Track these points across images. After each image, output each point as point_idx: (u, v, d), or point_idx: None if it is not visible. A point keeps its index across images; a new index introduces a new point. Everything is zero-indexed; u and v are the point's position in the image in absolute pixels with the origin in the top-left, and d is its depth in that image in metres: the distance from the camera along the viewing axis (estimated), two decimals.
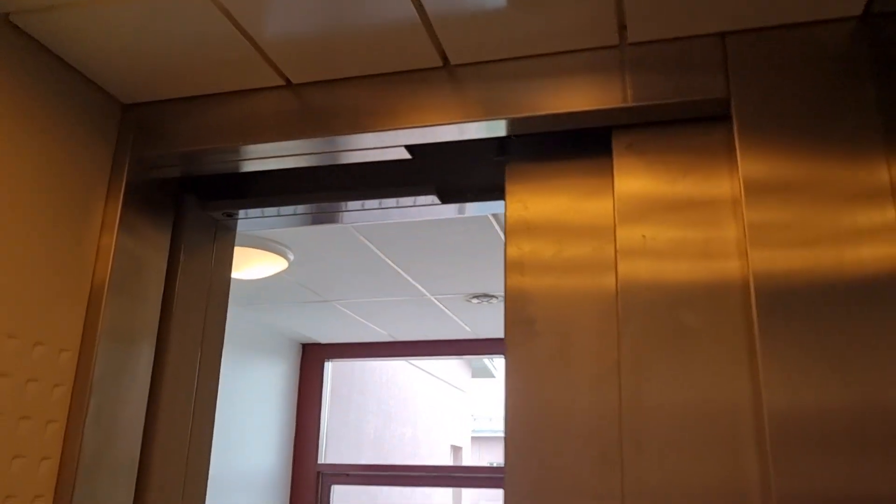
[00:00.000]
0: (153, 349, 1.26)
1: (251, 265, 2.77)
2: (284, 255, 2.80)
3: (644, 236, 1.05)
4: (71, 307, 1.14)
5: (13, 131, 1.06)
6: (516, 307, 1.10)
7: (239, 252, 2.68)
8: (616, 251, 1.05)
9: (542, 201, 1.14)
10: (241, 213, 1.41)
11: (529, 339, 1.08)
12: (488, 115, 1.09)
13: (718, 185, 1.05)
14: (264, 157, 1.21)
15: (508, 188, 1.17)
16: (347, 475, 4.68)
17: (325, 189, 1.33)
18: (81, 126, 1.18)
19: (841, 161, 0.97)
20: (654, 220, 1.05)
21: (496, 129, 1.11)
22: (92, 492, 1.11)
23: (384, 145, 1.15)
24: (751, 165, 0.99)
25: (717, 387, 0.97)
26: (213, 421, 1.42)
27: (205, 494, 1.39)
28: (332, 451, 4.88)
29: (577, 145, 1.17)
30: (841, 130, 0.98)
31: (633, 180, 1.08)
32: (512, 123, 1.10)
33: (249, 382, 4.30)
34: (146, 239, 1.26)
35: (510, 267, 1.12)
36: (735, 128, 1.01)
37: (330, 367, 4.89)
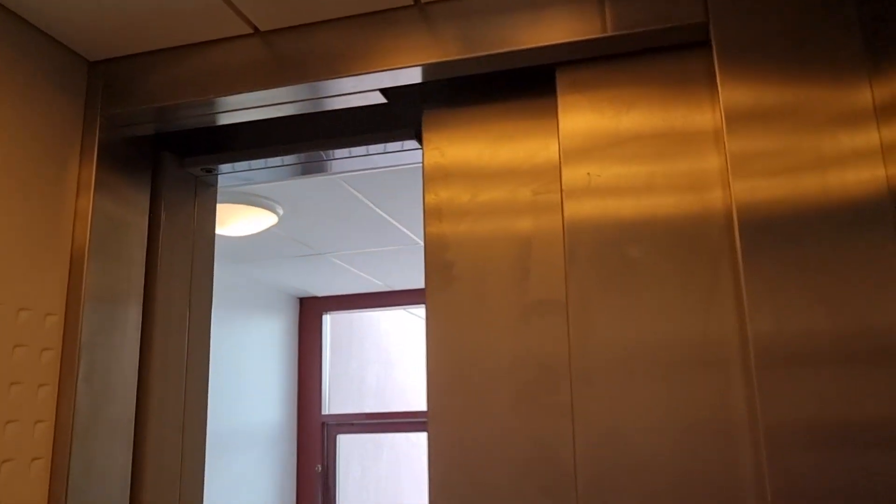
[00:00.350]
0: (140, 310, 1.26)
1: (240, 221, 2.75)
2: (273, 210, 2.78)
3: (588, 174, 1.05)
4: (52, 272, 1.13)
5: None
6: (435, 253, 1.11)
7: (227, 209, 2.66)
8: (561, 190, 1.05)
9: (458, 147, 1.15)
10: (222, 168, 1.39)
11: (448, 284, 1.10)
12: (463, 53, 1.06)
13: (683, 115, 1.03)
14: (238, 108, 1.18)
15: (425, 135, 1.17)
16: (352, 424, 4.77)
17: (306, 139, 1.31)
18: (47, 87, 1.15)
19: (823, 84, 0.95)
20: (598, 157, 1.04)
21: (472, 67, 1.09)
22: (90, 452, 1.13)
23: (358, 90, 1.12)
24: (732, 93, 0.97)
25: (671, 319, 0.97)
26: (207, 378, 1.43)
27: (203, 451, 1.41)
28: (335, 401, 4.95)
29: (506, 87, 1.15)
30: (822, 52, 0.96)
31: (578, 118, 1.06)
32: (488, 60, 1.07)
33: (250, 339, 4.34)
34: (124, 199, 1.24)
35: (428, 213, 1.13)
36: (714, 54, 0.99)
37: (328, 319, 4.92)
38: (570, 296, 1.01)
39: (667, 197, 1.01)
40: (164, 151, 1.34)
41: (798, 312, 0.91)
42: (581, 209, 1.03)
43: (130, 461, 1.21)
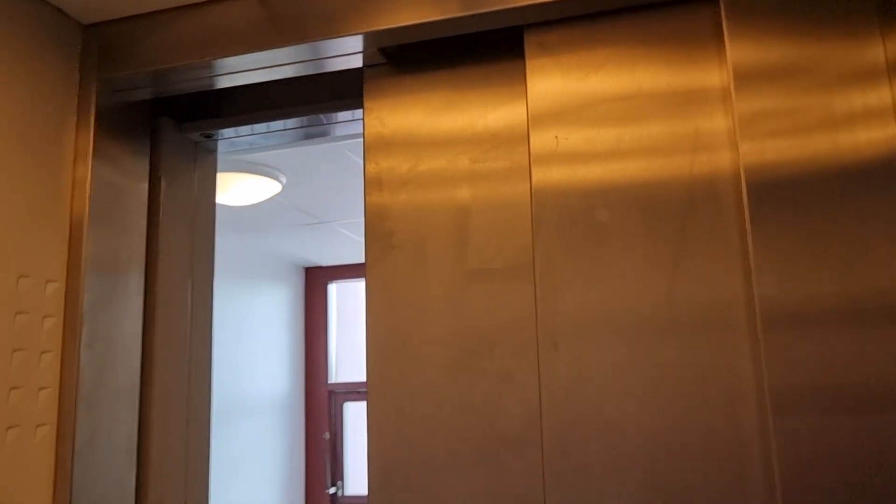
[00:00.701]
0: (142, 278, 1.25)
1: (243, 190, 2.74)
2: (276, 178, 2.77)
3: (556, 137, 1.04)
4: (52, 239, 1.12)
5: None
6: (375, 222, 1.12)
7: (229, 177, 2.65)
8: (530, 155, 1.03)
9: (398, 116, 1.14)
10: (223, 133, 1.37)
11: (387, 254, 1.10)
12: (463, 10, 1.03)
13: (684, 74, 1.00)
14: (237, 71, 1.16)
15: (366, 103, 1.16)
16: (359, 392, 4.81)
17: (308, 103, 1.29)
18: (42, 51, 1.13)
19: (834, 40, 0.93)
20: (567, 120, 1.03)
21: (471, 25, 1.06)
22: (95, 419, 1.13)
23: (357, 50, 1.10)
24: (740, 50, 0.95)
25: (638, 283, 0.97)
26: (210, 346, 1.43)
27: (209, 419, 1.42)
28: (342, 370, 4.99)
29: (461, 51, 1.13)
30: (834, 7, 0.93)
31: (546, 80, 1.05)
32: (484, 18, 1.04)
33: (256, 309, 4.36)
34: (123, 166, 1.23)
35: (369, 183, 1.13)
36: (722, 9, 0.96)
37: (334, 288, 4.93)
38: (538, 260, 1.01)
39: (659, 159, 0.99)
40: (163, 117, 1.32)
41: (806, 274, 0.89)
42: (550, 174, 1.02)
43: (136, 428, 1.22)
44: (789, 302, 0.89)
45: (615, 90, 1.02)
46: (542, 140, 1.04)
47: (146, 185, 1.27)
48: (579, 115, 1.03)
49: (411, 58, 1.15)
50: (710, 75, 1.00)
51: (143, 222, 1.27)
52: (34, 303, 1.08)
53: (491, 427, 1.02)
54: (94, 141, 1.17)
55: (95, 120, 1.18)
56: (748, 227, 0.92)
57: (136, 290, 1.24)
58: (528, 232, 1.05)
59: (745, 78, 0.95)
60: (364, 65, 1.16)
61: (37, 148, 1.11)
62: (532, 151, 1.04)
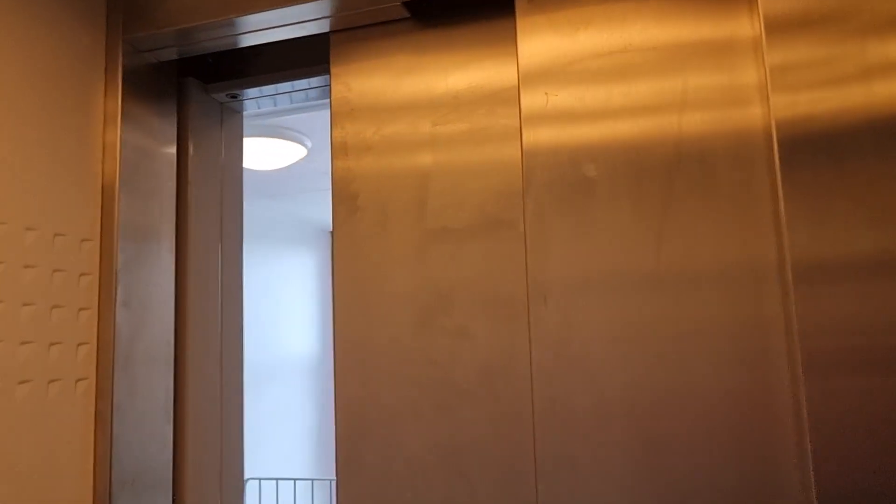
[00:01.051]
0: (173, 239, 1.28)
1: (269, 154, 2.75)
2: (302, 143, 2.77)
3: (546, 94, 1.03)
4: (85, 202, 1.15)
5: (12, 22, 1.03)
6: (341, 186, 1.15)
7: (256, 142, 2.67)
8: (520, 114, 1.03)
9: (363, 80, 1.17)
10: (248, 93, 1.38)
11: (352, 215, 1.14)
12: None
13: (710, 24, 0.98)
14: (261, 28, 1.16)
15: (333, 69, 1.18)
16: None
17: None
18: (67, 13, 1.14)
19: None
20: (557, 78, 1.02)
21: None
22: (132, 375, 1.17)
23: (381, 4, 1.09)
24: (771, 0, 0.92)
25: (626, 241, 0.98)
26: (241, 309, 1.46)
27: (241, 379, 1.45)
28: None
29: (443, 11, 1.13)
30: None
31: (537, 38, 1.04)
32: None
33: (286, 273, 4.41)
34: (151, 129, 1.25)
35: (335, 147, 1.16)
36: None
37: None
38: (528, 218, 1.01)
39: (698, 113, 0.98)
40: (189, 78, 1.33)
41: (840, 230, 0.88)
42: (539, 134, 1.02)
43: (172, 385, 1.25)
44: (822, 257, 0.88)
45: (606, 45, 1.00)
46: (532, 100, 1.03)
47: (174, 148, 1.29)
48: (569, 72, 1.02)
49: (430, 11, 1.15)
50: (735, 26, 0.97)
51: (173, 184, 1.28)
52: (70, 261, 1.11)
53: (449, 380, 1.06)
54: (122, 104, 1.18)
55: (123, 82, 1.19)
56: (778, 183, 0.91)
57: (168, 250, 1.26)
58: (486, 193, 1.08)
59: (777, 27, 0.92)
60: (330, 30, 1.18)
61: (67, 111, 1.13)
62: (522, 109, 1.03)
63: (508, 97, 1.09)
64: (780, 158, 0.91)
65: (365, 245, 1.12)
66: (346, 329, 1.13)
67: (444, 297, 1.08)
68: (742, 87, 0.97)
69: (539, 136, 1.02)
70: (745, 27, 0.98)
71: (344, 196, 1.15)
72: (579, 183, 1.00)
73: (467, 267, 1.07)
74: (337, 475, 1.13)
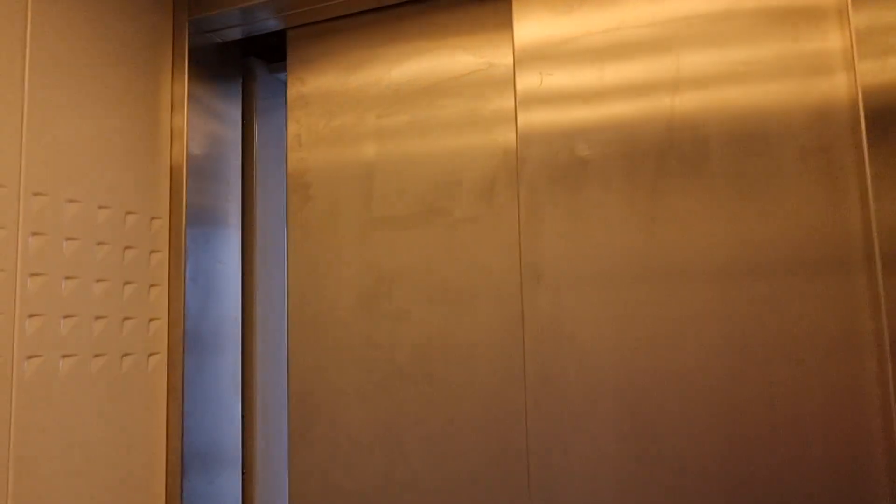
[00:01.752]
0: (239, 217, 1.30)
1: None
2: None
3: (541, 73, 1.03)
4: (155, 182, 1.17)
5: (69, 10, 1.06)
6: (295, 176, 1.22)
7: None
8: (515, 97, 1.03)
9: (316, 76, 1.22)
10: None
11: (305, 203, 1.20)
12: None
13: None
14: (324, 3, 1.16)
15: (290, 62, 1.24)
16: None
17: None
18: None
19: None
20: (553, 59, 1.02)
21: None
22: (201, 350, 1.19)
23: None
24: None
25: (618, 228, 0.97)
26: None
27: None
28: None
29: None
30: None
31: (533, 21, 1.04)
32: None
33: None
34: (217, 112, 1.26)
35: (290, 139, 1.23)
36: None
37: None
38: (521, 200, 1.02)
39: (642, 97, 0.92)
40: (252, 58, 1.34)
41: None
42: (534, 116, 1.02)
43: (239, 361, 1.28)
44: None
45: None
46: (527, 81, 1.03)
47: (240, 129, 1.31)
48: (562, 51, 1.02)
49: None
50: None
51: (238, 164, 1.30)
52: (141, 238, 1.14)
53: (390, 360, 1.11)
54: (189, 87, 1.21)
55: (189, 64, 1.21)
56: (865, 152, 0.85)
57: (235, 228, 1.28)
58: (426, 182, 1.12)
59: None
60: (287, 27, 1.23)
61: (137, 94, 1.15)
62: (518, 91, 1.03)
63: (449, 88, 1.11)
64: (868, 129, 0.85)
65: (316, 232, 1.19)
66: (299, 309, 1.19)
67: (386, 279, 1.13)
68: (818, 55, 0.91)
69: (533, 117, 1.02)
70: None
71: (297, 186, 1.21)
72: (572, 164, 0.99)
73: (408, 253, 1.12)
74: (288, 450, 1.19)
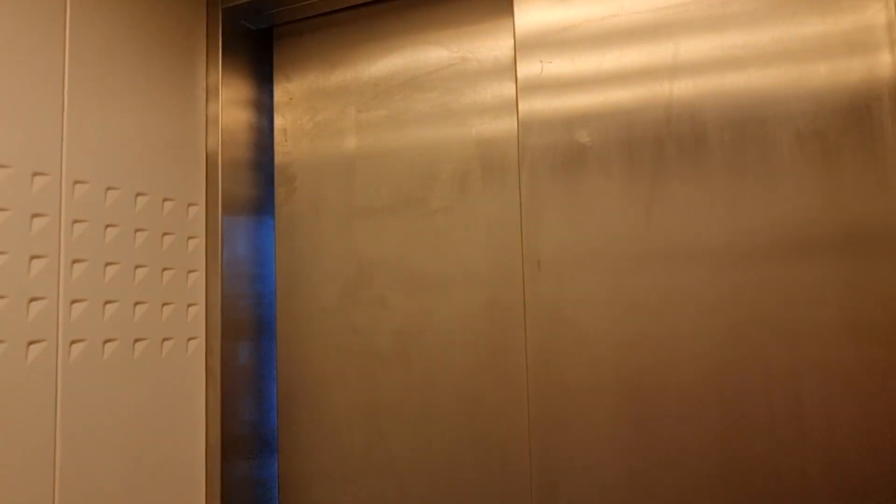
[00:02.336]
0: (272, 204, 1.31)
1: None
2: None
3: (541, 61, 1.03)
4: (191, 169, 1.19)
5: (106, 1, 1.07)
6: (280, 169, 1.27)
7: None
8: (517, 84, 1.04)
9: (301, 77, 1.27)
10: None
11: (290, 195, 1.26)
12: None
13: None
14: None
15: (276, 61, 1.29)
16: None
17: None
18: None
19: None
20: (553, 47, 1.02)
21: None
22: (238, 334, 1.21)
23: None
24: None
25: (617, 215, 0.98)
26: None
27: None
28: None
29: None
30: None
31: (533, 9, 1.04)
32: None
33: None
34: (250, 100, 1.27)
35: (276, 133, 1.27)
36: None
37: None
38: (522, 186, 1.03)
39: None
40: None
41: None
42: (534, 103, 1.02)
43: (275, 345, 1.29)
44: None
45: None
46: (527, 69, 1.03)
47: (273, 116, 1.31)
48: (563, 40, 1.02)
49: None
50: None
51: (272, 151, 1.31)
52: (179, 224, 1.16)
53: (370, 346, 1.16)
54: (223, 75, 1.22)
55: (223, 53, 1.22)
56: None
57: (269, 213, 1.30)
58: (403, 174, 1.15)
59: None
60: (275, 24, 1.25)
61: (174, 82, 1.17)
62: (518, 79, 1.04)
63: (424, 82, 1.14)
64: None
65: (301, 224, 1.25)
66: (285, 298, 1.25)
67: (365, 270, 1.18)
68: (863, 31, 0.88)
69: (534, 105, 1.02)
70: None
71: (283, 179, 1.26)
72: (574, 150, 0.99)
73: (386, 242, 1.16)
74: (277, 434, 1.25)
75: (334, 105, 1.22)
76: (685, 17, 0.94)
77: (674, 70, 0.94)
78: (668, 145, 0.94)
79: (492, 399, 1.07)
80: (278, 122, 1.27)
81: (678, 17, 0.94)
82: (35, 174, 0.93)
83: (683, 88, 0.93)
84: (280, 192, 1.26)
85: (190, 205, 1.18)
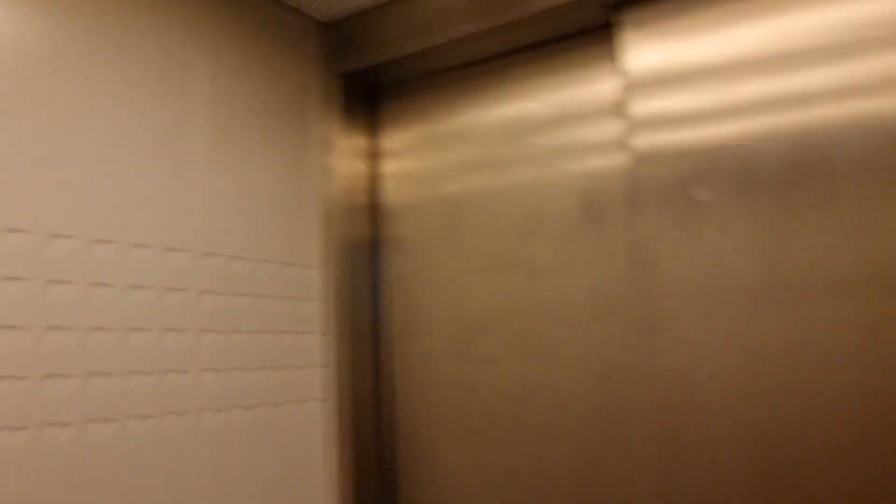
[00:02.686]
0: (384, 255, 1.31)
1: None
2: None
3: (651, 99, 0.98)
4: (308, 228, 1.20)
5: (235, 66, 1.10)
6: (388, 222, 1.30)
7: None
8: (629, 124, 0.99)
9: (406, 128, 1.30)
10: None
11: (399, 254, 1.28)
12: None
13: None
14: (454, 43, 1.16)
15: (384, 115, 1.32)
16: None
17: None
18: (285, 51, 1.20)
19: None
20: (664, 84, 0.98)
21: None
22: (365, 395, 1.21)
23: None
24: None
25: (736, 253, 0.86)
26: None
27: None
28: None
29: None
30: None
31: (643, 54, 0.99)
32: None
33: None
34: (362, 152, 1.29)
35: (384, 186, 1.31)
36: None
37: None
38: (635, 228, 0.98)
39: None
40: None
41: None
42: (646, 141, 0.98)
43: (394, 398, 1.28)
44: None
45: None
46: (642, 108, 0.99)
47: (381, 167, 1.32)
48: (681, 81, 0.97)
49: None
50: None
51: (382, 203, 1.32)
52: (298, 288, 1.17)
53: (482, 406, 1.15)
54: (338, 132, 1.24)
55: (338, 112, 1.24)
56: None
57: (381, 265, 1.30)
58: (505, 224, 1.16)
59: None
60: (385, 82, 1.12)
61: (287, 142, 1.19)
62: (631, 116, 1.00)
63: (523, 132, 1.14)
64: None
65: (410, 277, 1.27)
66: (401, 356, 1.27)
67: (472, 329, 1.19)
68: None
69: (646, 142, 0.97)
70: None
71: (391, 237, 1.30)
72: (687, 192, 0.94)
73: (496, 300, 1.16)
74: (397, 488, 1.25)
75: (441, 153, 1.24)
76: (810, 45, 0.88)
77: (795, 100, 0.88)
78: (795, 175, 0.88)
79: (610, 469, 1.03)
80: (385, 173, 1.30)
81: (799, 47, 0.88)
82: (168, 250, 0.96)
83: (806, 118, 0.87)
84: (386, 251, 1.30)
85: (309, 267, 1.19)
